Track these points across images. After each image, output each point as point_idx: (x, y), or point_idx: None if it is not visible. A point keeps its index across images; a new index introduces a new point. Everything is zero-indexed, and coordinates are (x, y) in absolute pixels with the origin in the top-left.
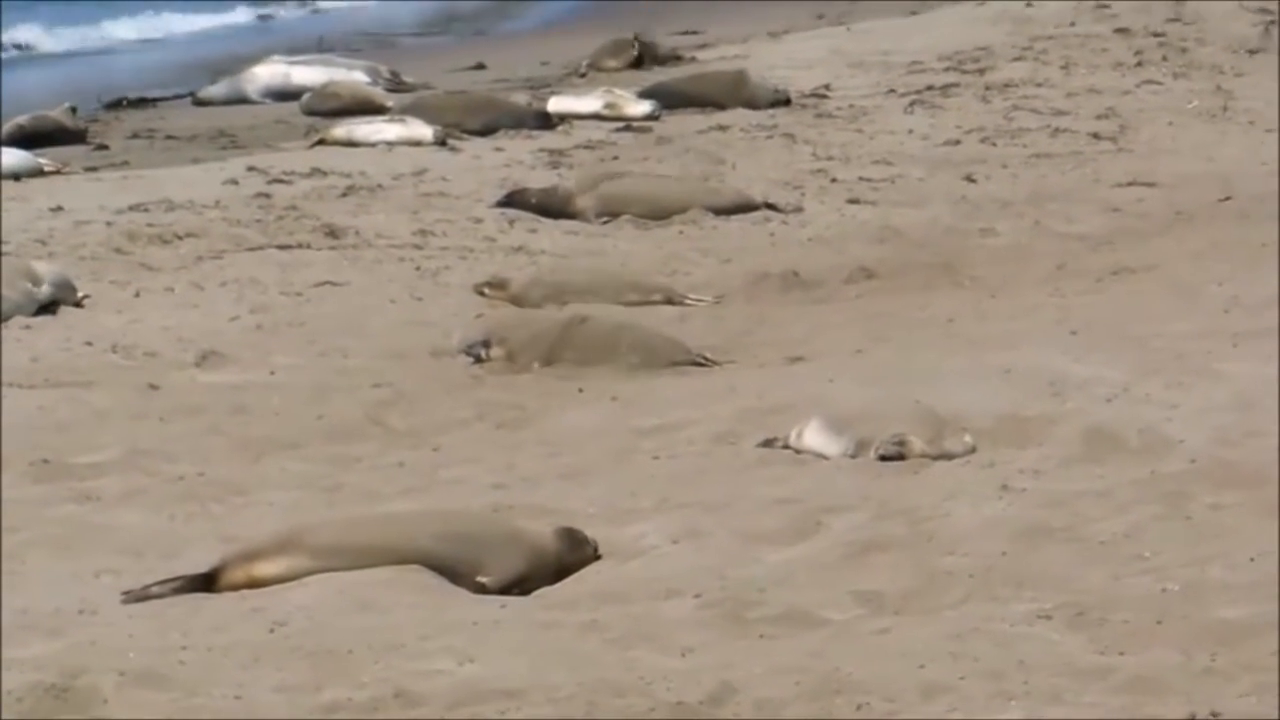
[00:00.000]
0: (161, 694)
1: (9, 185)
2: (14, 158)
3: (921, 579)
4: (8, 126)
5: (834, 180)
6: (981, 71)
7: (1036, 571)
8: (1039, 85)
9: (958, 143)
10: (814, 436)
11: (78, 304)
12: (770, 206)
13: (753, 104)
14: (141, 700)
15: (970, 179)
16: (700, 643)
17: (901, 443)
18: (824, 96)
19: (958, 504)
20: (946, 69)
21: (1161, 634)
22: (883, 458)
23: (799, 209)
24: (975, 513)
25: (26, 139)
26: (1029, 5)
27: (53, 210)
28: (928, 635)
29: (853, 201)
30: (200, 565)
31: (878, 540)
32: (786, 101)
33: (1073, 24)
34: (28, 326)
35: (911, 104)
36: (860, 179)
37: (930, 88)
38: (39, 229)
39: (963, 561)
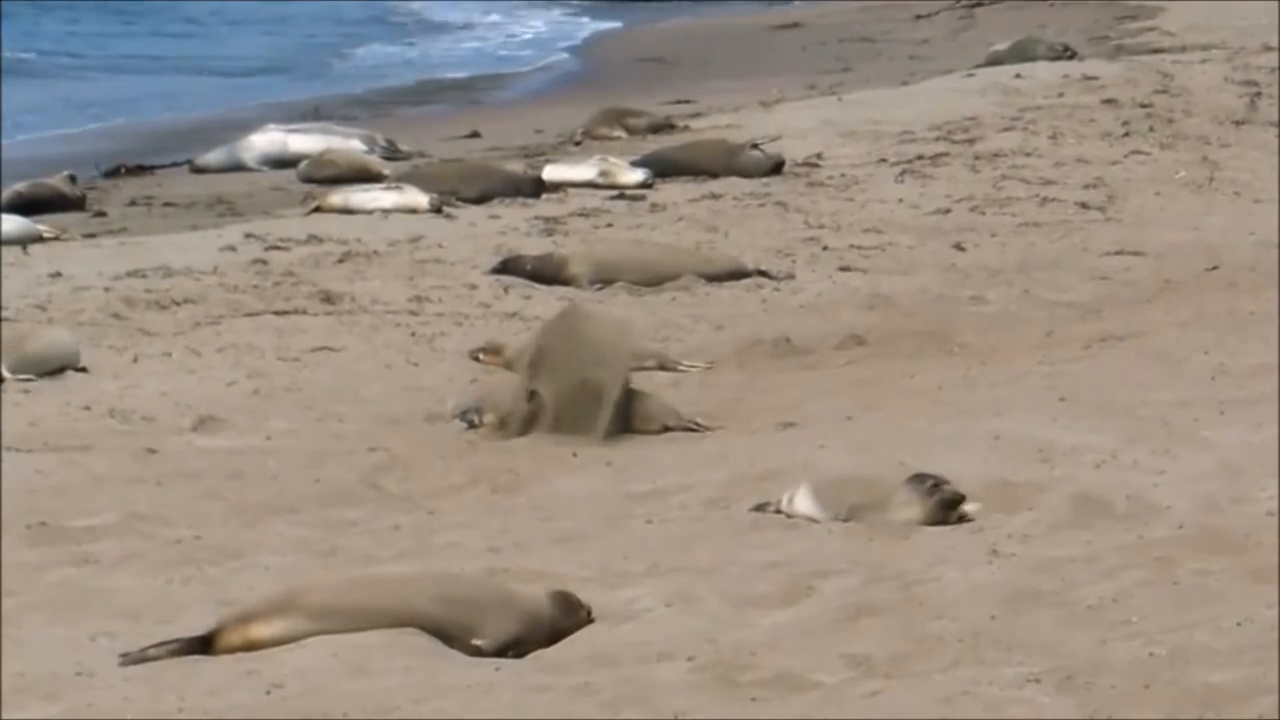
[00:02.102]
0: None
1: (8, 251)
2: (13, 224)
3: (911, 643)
4: (7, 193)
5: (825, 248)
6: (971, 141)
7: (1025, 636)
8: (1028, 155)
9: (947, 211)
10: (805, 501)
11: (78, 368)
12: (762, 274)
13: (745, 172)
14: None
15: (960, 247)
16: (692, 706)
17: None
18: (816, 165)
19: (947, 568)
20: (936, 139)
21: (1149, 698)
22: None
23: (791, 276)
24: (965, 577)
25: (25, 205)
26: (1017, 77)
27: (52, 276)
28: (917, 699)
29: (844, 269)
30: (197, 628)
31: (868, 604)
32: (778, 169)
33: (1061, 95)
34: (26, 390)
35: (902, 173)
36: (851, 247)
37: (920, 157)
38: (38, 294)
39: (952, 626)
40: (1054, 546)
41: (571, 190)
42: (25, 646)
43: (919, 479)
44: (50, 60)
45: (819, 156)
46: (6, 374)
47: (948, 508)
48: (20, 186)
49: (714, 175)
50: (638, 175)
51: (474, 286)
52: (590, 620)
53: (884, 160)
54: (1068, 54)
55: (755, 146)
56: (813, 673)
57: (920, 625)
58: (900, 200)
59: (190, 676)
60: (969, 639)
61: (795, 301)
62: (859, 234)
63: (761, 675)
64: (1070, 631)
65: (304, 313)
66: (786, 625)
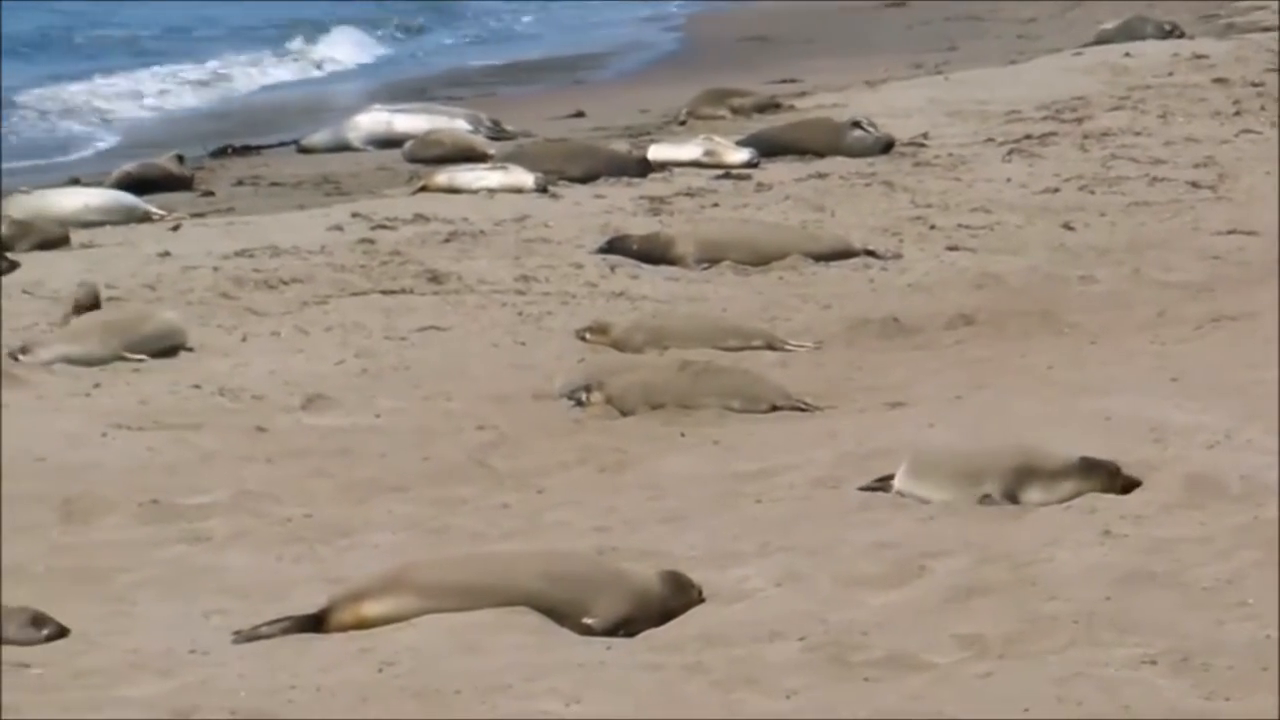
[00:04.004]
0: None
1: (117, 231)
2: (122, 203)
3: (1024, 623)
4: (116, 173)
5: (933, 227)
6: (1079, 120)
7: (1139, 617)
8: (1137, 134)
9: (1056, 191)
10: (916, 481)
11: (187, 348)
12: (869, 253)
13: (852, 152)
14: None
15: (1069, 227)
16: (803, 686)
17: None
18: (922, 145)
19: (1060, 549)
20: (1044, 118)
21: (1266, 680)
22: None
23: (898, 256)
24: (1077, 558)
25: (134, 185)
26: (1126, 55)
27: (160, 256)
28: (1031, 680)
29: (951, 249)
30: (308, 606)
31: (980, 585)
32: (887, 149)
33: (1170, 74)
34: (137, 370)
35: (1010, 152)
36: (959, 226)
37: (1028, 136)
38: (147, 274)
39: (1065, 606)
40: (1167, 527)
41: (677, 170)
42: (139, 623)
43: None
44: (158, 38)
45: (925, 136)
46: (118, 354)
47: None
48: (129, 166)
49: (820, 155)
50: (743, 155)
51: (580, 266)
52: (701, 600)
53: (991, 139)
54: (1176, 33)
55: (858, 125)
56: (925, 653)
57: (1033, 606)
58: (1008, 179)
59: (302, 654)
60: (1083, 620)
61: (903, 281)
62: (967, 213)
63: (873, 655)
64: (1185, 613)
65: (411, 292)
66: (897, 605)
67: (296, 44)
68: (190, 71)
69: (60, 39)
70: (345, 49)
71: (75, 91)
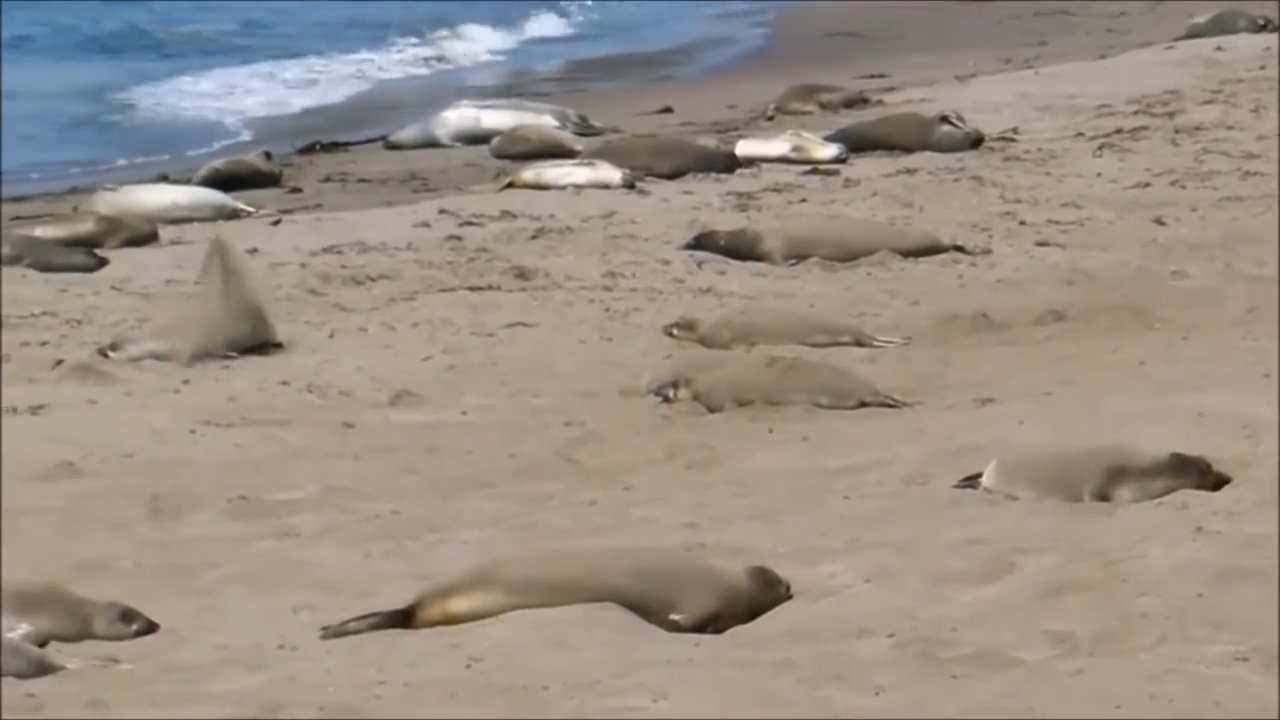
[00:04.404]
0: None
1: (206, 227)
2: (211, 200)
3: (1115, 620)
4: (204, 170)
5: (1022, 223)
6: (1171, 115)
7: (1232, 614)
8: (1229, 128)
9: (1147, 185)
10: (1007, 478)
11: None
12: (958, 249)
13: (940, 147)
14: None
15: (1160, 222)
16: (892, 682)
17: None
18: (1012, 140)
19: (1151, 546)
20: (1135, 112)
21: None
22: None
23: (987, 251)
24: (1168, 554)
25: (222, 182)
26: (1218, 49)
27: (249, 253)
28: (1122, 677)
29: (1041, 244)
30: (396, 602)
31: (1070, 581)
32: (976, 145)
33: (1263, 67)
34: (225, 366)
35: (1100, 147)
36: (1049, 221)
37: (1119, 131)
38: None
39: (1157, 603)
40: (1259, 524)
41: (765, 165)
42: (228, 618)
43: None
44: (252, 35)
45: (1015, 131)
46: (207, 351)
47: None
48: (218, 163)
49: (908, 150)
50: (831, 150)
51: (667, 262)
52: (789, 596)
53: (1081, 134)
54: (1270, 26)
55: (946, 120)
56: (1015, 650)
57: (1124, 602)
58: (1099, 174)
59: (391, 649)
60: (1174, 616)
61: (992, 276)
62: (1057, 209)
63: (963, 652)
64: (1277, 609)
65: (498, 288)
66: (987, 602)
67: (415, 39)
68: (311, 67)
69: (159, 36)
70: (468, 44)
71: (188, 88)
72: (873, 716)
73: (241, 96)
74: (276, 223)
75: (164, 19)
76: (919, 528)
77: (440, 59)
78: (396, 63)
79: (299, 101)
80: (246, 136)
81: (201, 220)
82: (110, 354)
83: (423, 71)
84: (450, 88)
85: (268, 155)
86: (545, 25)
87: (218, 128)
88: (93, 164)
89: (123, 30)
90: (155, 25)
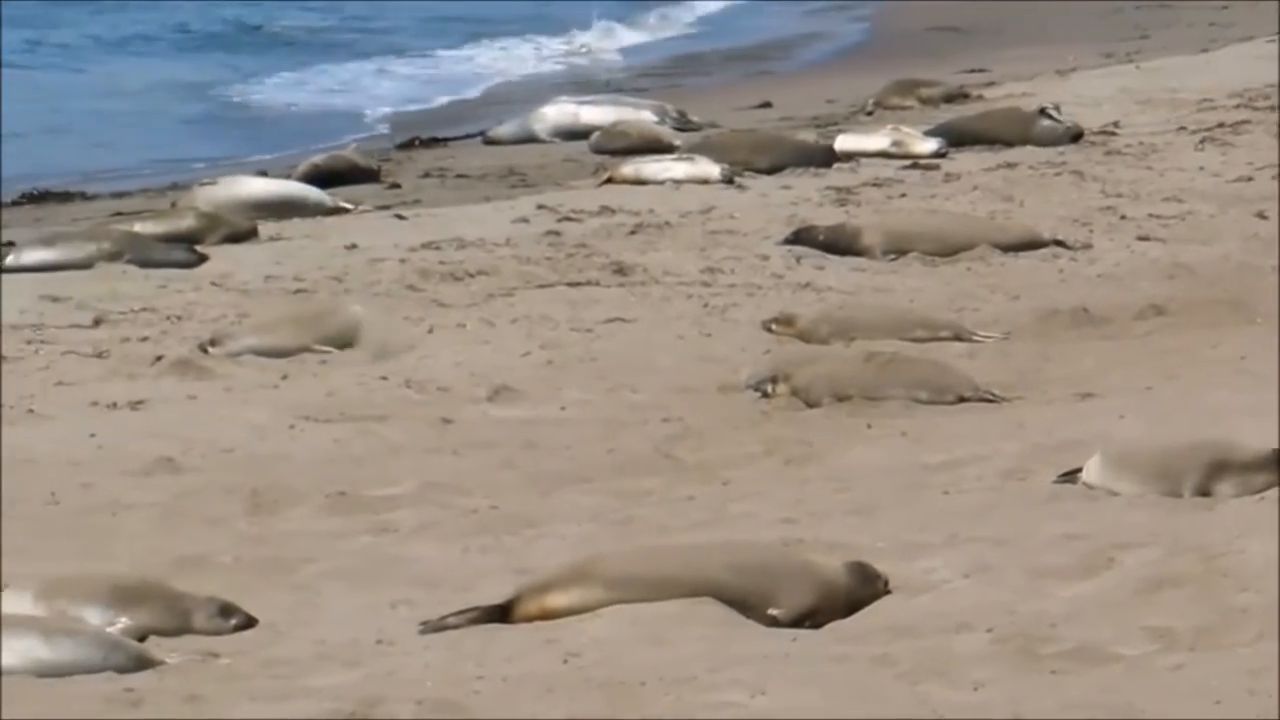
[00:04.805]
0: None
1: (305, 223)
2: (308, 196)
3: (1215, 615)
4: (303, 166)
5: (1123, 217)
6: (1273, 108)
7: None
8: None
9: (1249, 179)
10: (1108, 473)
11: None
12: (1059, 243)
13: (1041, 141)
14: None
15: (1263, 216)
16: (991, 678)
17: None
18: (1113, 134)
19: (1251, 541)
20: (1237, 105)
21: None
22: None
23: (1088, 246)
24: (1269, 550)
25: (321, 177)
26: None
27: (348, 248)
28: (1223, 672)
29: (1142, 238)
30: (494, 597)
31: (1170, 576)
32: (1077, 139)
33: None
34: (323, 362)
35: (1202, 141)
36: (1150, 216)
37: (1221, 125)
38: (334, 266)
39: (1257, 599)
40: None
41: (864, 160)
42: (327, 614)
43: None
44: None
45: (1116, 125)
46: (306, 346)
47: None
48: (317, 159)
49: (1009, 144)
50: (931, 145)
51: (766, 257)
52: (887, 591)
53: (1183, 128)
54: None
55: (1046, 114)
56: (1114, 645)
57: (1224, 598)
58: (1200, 168)
59: (489, 645)
60: (1275, 612)
61: (1092, 271)
62: (1158, 203)
63: (1062, 647)
64: None
65: (596, 284)
66: (1087, 597)
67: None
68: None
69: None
70: (605, 36)
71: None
72: (971, 712)
73: (367, 90)
74: (401, 217)
75: (268, 16)
76: (1018, 523)
77: (579, 52)
78: (525, 56)
79: (432, 95)
80: (383, 129)
81: (300, 216)
82: (210, 350)
83: (556, 68)
84: (581, 81)
85: (367, 151)
86: (670, 19)
87: (354, 121)
88: (220, 160)
89: (230, 27)
90: (261, 22)
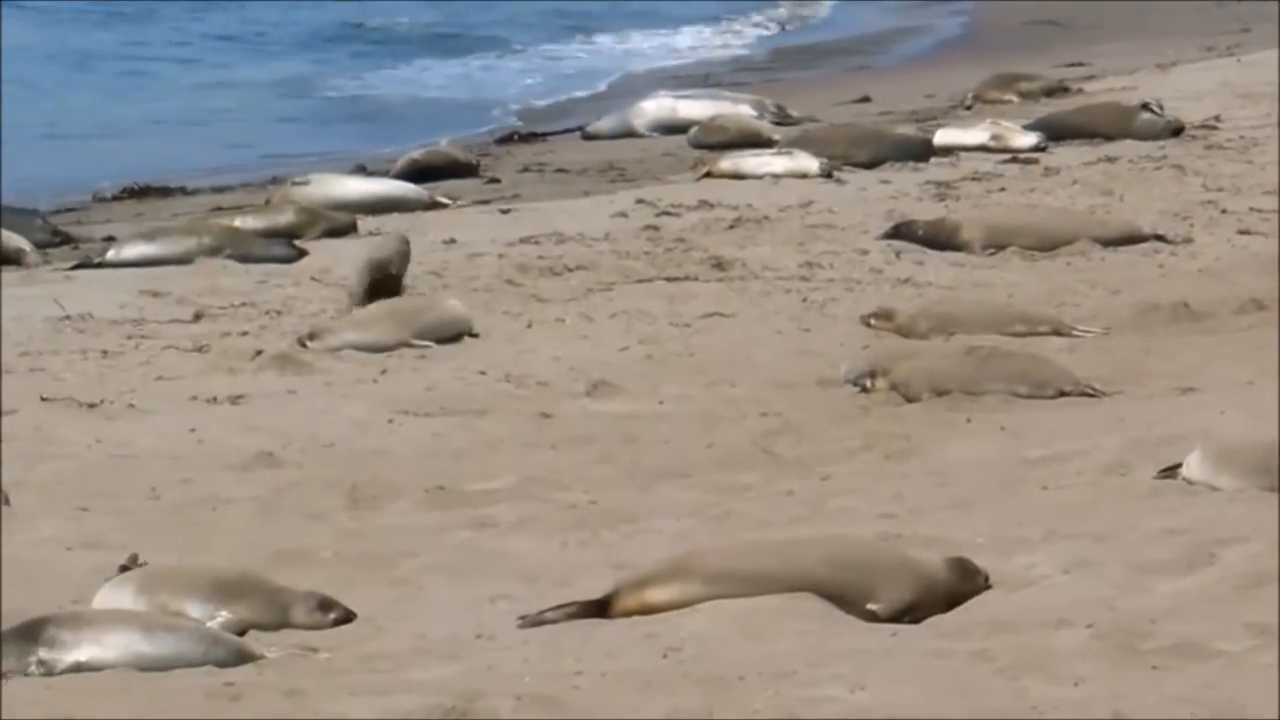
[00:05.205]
0: (557, 718)
1: (404, 218)
2: (404, 192)
3: None
4: (402, 161)
5: (1224, 211)
6: None
7: None
8: None
9: None
10: (1209, 468)
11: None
12: (1159, 238)
13: (1141, 135)
14: None
15: None
16: (1091, 673)
17: None
18: (1214, 128)
19: None
20: None
21: None
22: None
23: (1188, 240)
24: None
25: (420, 173)
26: None
27: (446, 243)
28: None
29: (1244, 233)
30: (593, 592)
31: (1271, 572)
32: (1177, 133)
33: None
34: (423, 356)
35: None
36: (1251, 210)
37: None
38: (433, 261)
39: None
40: None
41: (963, 154)
42: (426, 608)
43: None
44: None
45: (1217, 119)
46: (405, 341)
47: None
48: (416, 153)
49: (1109, 138)
50: (1030, 139)
51: (865, 252)
52: (987, 586)
53: None
54: None
55: (1147, 108)
56: (1215, 641)
57: None
58: None
59: (587, 639)
60: None
61: (1193, 266)
62: (1259, 196)
63: (1162, 643)
64: None
65: (695, 279)
66: (1188, 592)
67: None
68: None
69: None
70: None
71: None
72: (1071, 707)
73: (494, 81)
74: (507, 212)
75: (370, 13)
76: (1118, 518)
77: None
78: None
79: (562, 88)
80: (516, 121)
81: (399, 211)
82: (309, 344)
83: (674, 62)
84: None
85: (465, 146)
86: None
87: (483, 113)
88: (323, 155)
89: (331, 25)
90: (365, 19)
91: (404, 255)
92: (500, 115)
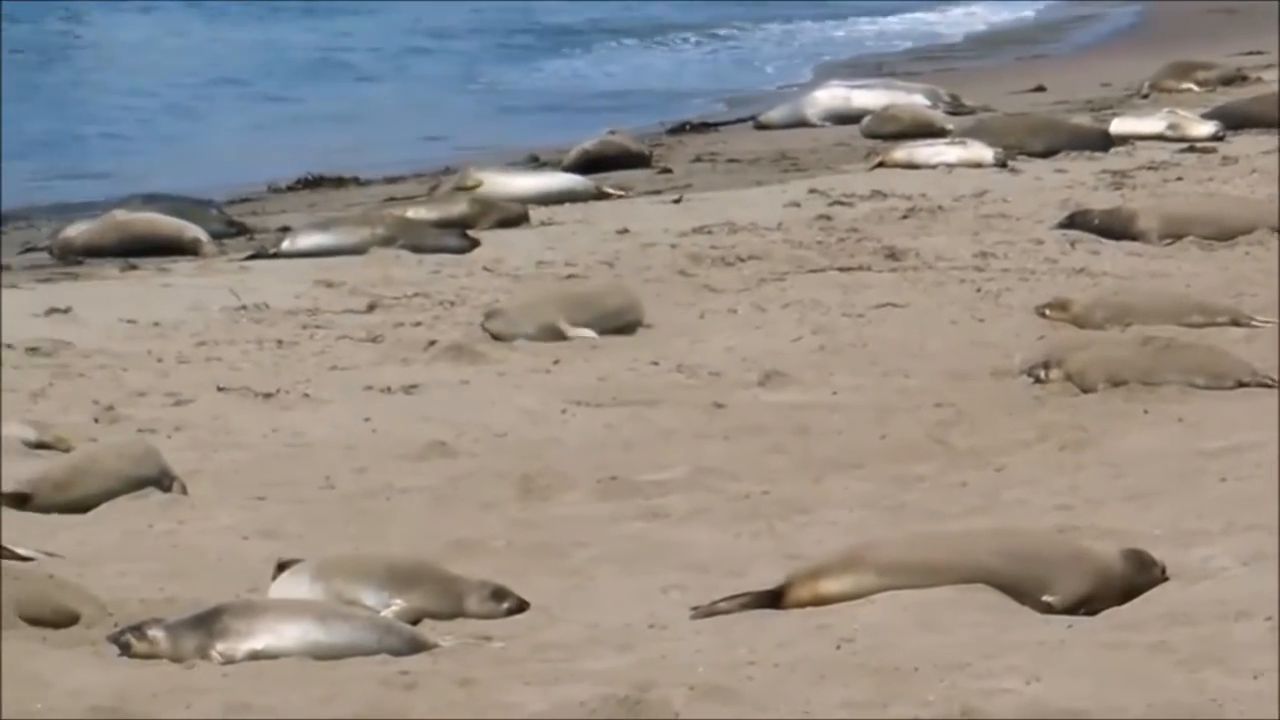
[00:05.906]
0: (730, 709)
1: (575, 208)
2: (573, 183)
3: None
4: (574, 151)
5: None
6: None
7: None
8: None
9: None
10: None
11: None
12: None
13: None
14: (711, 715)
15: None
16: (1272, 666)
17: None
18: None
19: None
20: None
21: None
22: None
23: None
24: None
25: (592, 163)
26: None
27: (619, 233)
28: None
29: None
30: (766, 582)
31: None
32: None
33: None
34: (595, 347)
35: None
36: None
37: None
38: (605, 251)
39: None
40: None
41: (1140, 143)
42: (599, 598)
43: None
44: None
45: None
46: (575, 331)
47: None
48: (587, 144)
49: None
50: (1208, 128)
51: (1040, 242)
52: (1164, 578)
53: None
54: None
55: None
56: None
57: None
58: None
59: (760, 630)
60: None
61: None
62: None
63: None
64: None
65: (868, 269)
66: None
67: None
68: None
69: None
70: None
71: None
72: (1251, 700)
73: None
74: (678, 200)
75: (540, 11)
76: None
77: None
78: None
79: (768, 77)
80: (722, 108)
81: (564, 201)
82: (486, 326)
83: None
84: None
85: (637, 136)
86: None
87: (684, 100)
88: (495, 147)
89: (502, 19)
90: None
91: None
92: (703, 104)
